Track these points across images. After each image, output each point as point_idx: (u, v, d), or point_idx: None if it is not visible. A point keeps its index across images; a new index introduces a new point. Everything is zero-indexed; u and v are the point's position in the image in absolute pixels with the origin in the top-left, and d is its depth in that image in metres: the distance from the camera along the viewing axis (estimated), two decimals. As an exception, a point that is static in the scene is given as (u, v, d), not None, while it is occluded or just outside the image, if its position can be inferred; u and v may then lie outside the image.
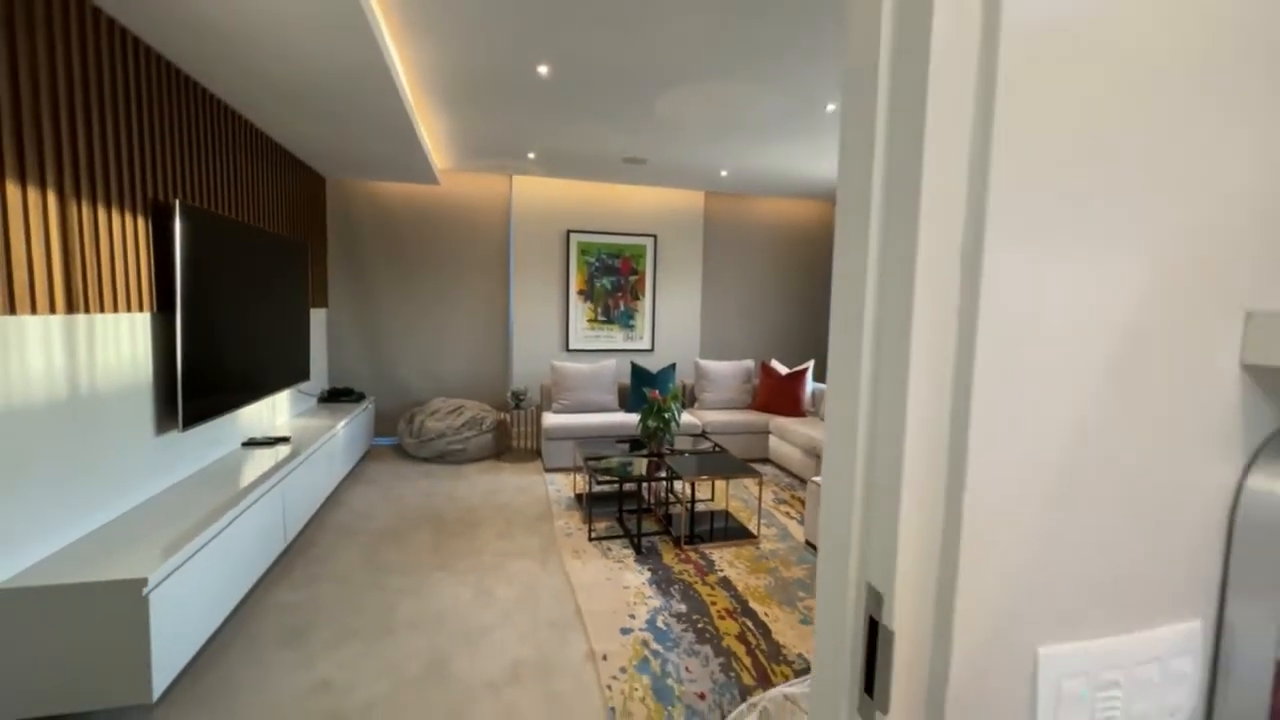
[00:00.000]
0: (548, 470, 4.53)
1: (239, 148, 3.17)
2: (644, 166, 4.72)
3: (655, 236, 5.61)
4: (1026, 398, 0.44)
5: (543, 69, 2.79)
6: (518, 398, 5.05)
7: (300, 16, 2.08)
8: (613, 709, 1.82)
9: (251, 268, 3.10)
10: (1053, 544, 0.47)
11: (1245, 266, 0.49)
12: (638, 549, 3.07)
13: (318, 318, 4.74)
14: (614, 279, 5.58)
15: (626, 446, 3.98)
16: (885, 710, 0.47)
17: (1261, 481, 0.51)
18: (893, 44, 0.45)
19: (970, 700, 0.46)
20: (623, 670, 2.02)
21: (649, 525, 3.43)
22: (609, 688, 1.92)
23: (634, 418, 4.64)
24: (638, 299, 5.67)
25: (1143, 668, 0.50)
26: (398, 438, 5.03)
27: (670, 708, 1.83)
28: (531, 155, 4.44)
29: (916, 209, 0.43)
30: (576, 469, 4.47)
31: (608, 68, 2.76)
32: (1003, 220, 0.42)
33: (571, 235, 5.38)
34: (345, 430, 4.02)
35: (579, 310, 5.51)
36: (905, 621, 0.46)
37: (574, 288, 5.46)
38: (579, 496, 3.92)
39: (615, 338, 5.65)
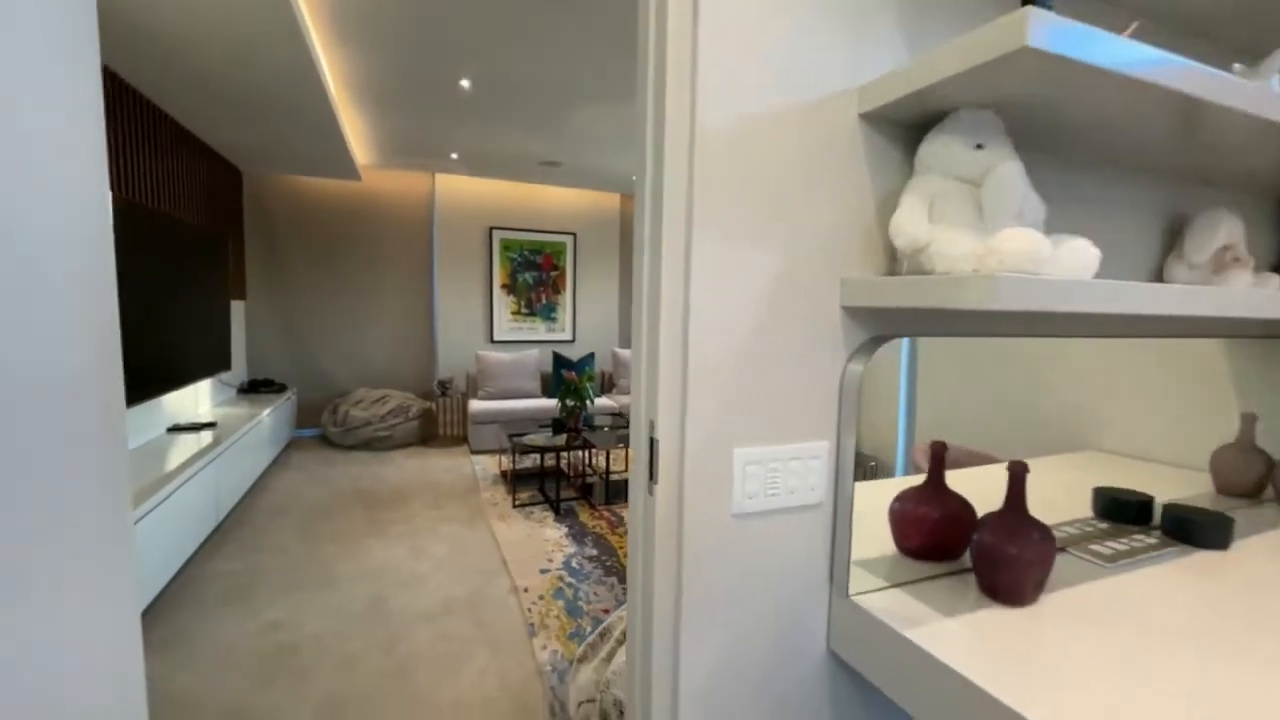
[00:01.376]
0: (474, 453, 4.80)
1: (158, 140, 3.25)
2: (562, 169, 5.09)
3: (575, 235, 5.99)
4: (721, 315, 0.88)
5: (464, 82, 3.10)
6: (444, 386, 5.27)
7: (229, 19, 2.29)
8: (531, 624, 2.21)
9: (172, 257, 3.19)
10: (741, 395, 0.91)
11: (839, 256, 0.96)
12: (557, 511, 3.45)
13: (236, 310, 4.75)
14: (536, 274, 5.90)
15: (550, 430, 4.34)
16: (656, 482, 0.89)
17: (853, 367, 0.98)
18: (652, 131, 0.88)
19: (698, 476, 0.90)
20: (540, 598, 2.40)
21: (568, 493, 3.82)
22: (529, 610, 2.31)
23: (556, 402, 5.00)
24: (559, 293, 6.02)
25: (794, 462, 0.96)
26: (321, 428, 5.11)
27: (579, 620, 2.24)
28: (454, 155, 4.69)
29: (661, 214, 0.86)
30: (502, 451, 4.78)
31: (525, 84, 3.12)
32: (702, 222, 0.86)
33: (494, 232, 5.65)
34: (270, 417, 4.11)
35: (503, 303, 5.79)
36: (664, 436, 0.89)
37: (498, 282, 5.73)
38: (504, 473, 4.24)
39: (538, 329, 5.98)
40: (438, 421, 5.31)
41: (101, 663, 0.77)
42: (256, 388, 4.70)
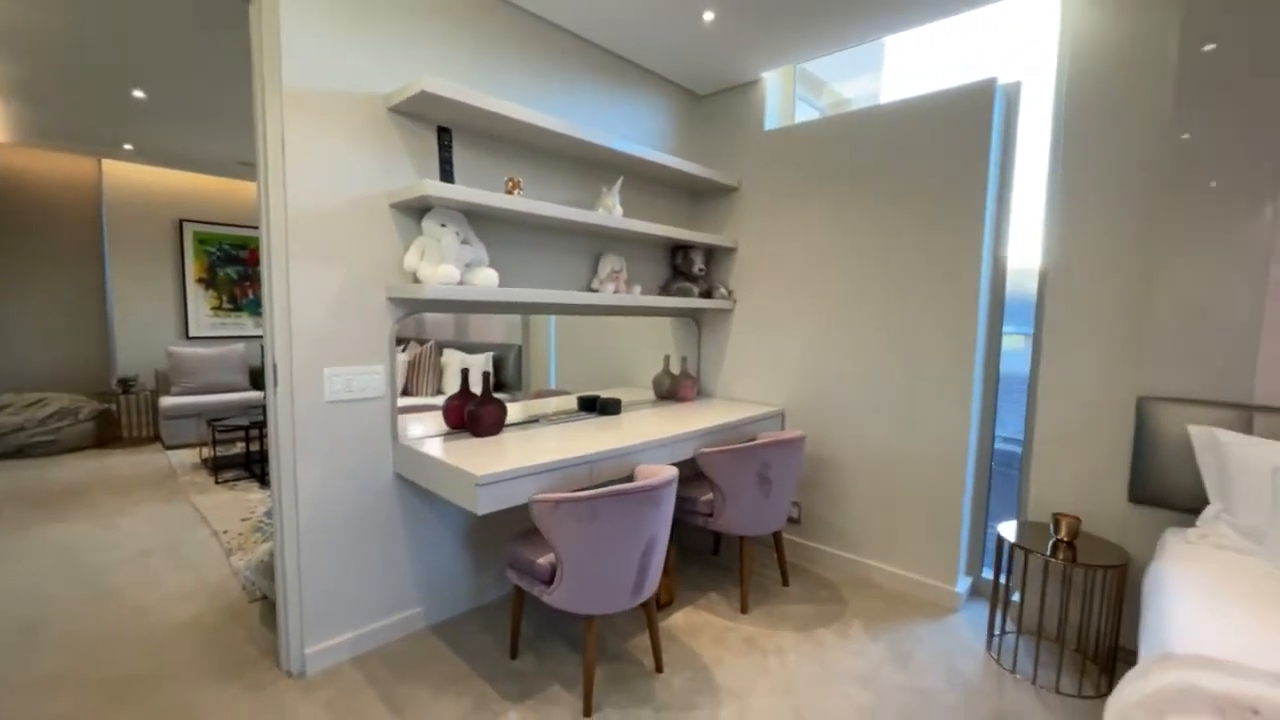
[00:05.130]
0: (169, 448, 4.75)
1: None
2: (264, 169, 5.26)
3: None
4: (312, 301, 1.79)
5: (138, 93, 3.34)
6: (126, 385, 4.99)
7: None
8: (229, 549, 2.79)
9: None
10: (326, 340, 1.83)
11: (384, 272, 1.94)
12: (262, 482, 3.88)
13: None
14: (240, 269, 5.86)
15: (262, 419, 4.59)
16: (277, 385, 1.76)
17: (394, 328, 1.98)
18: (264, 207, 1.74)
19: (302, 381, 1.79)
20: (240, 535, 2.97)
21: (278, 470, 4.23)
22: (228, 544, 2.86)
23: (263, 394, 5.19)
24: (269, 288, 6.05)
25: (363, 375, 1.92)
26: (-54, 441, 4.41)
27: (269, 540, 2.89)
28: (128, 146, 4.55)
29: (270, 247, 1.73)
30: (203, 444, 4.82)
31: (215, 93, 3.45)
32: (296, 257, 1.75)
33: (185, 225, 5.47)
34: (-128, 428, 3.57)
35: (201, 298, 5.62)
36: (280, 361, 1.76)
37: (192, 276, 5.55)
38: (205, 460, 4.39)
39: (246, 324, 5.93)
40: (120, 422, 4.97)
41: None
42: None
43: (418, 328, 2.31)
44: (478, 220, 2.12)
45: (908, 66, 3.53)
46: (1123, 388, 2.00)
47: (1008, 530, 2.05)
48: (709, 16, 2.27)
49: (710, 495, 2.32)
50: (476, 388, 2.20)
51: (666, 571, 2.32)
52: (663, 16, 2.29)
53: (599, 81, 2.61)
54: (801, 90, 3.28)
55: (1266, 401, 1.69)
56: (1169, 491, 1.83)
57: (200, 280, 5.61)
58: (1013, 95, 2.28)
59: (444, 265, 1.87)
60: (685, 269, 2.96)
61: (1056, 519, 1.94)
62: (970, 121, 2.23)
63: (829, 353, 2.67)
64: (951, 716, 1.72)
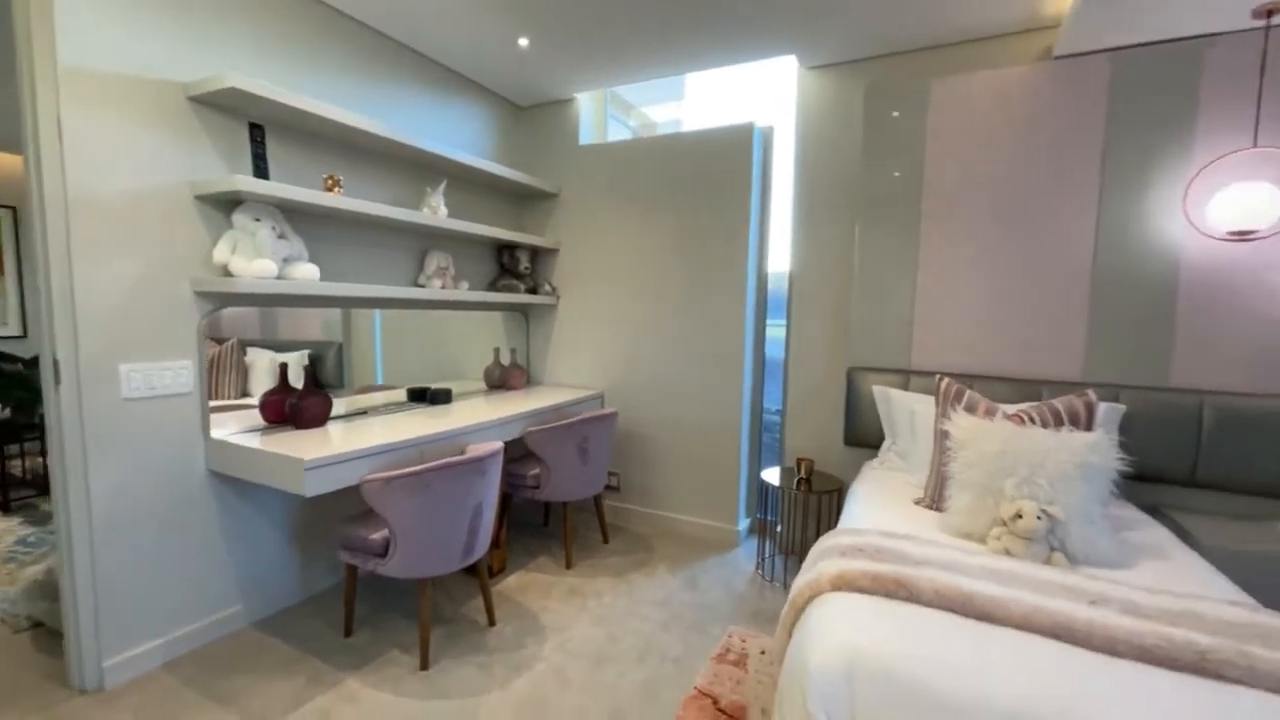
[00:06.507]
0: None
1: None
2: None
3: (15, 209, 4.99)
4: (103, 295, 1.69)
5: None
6: None
7: None
8: (-26, 585, 2.38)
9: None
10: (123, 336, 1.74)
11: (190, 265, 1.89)
12: (7, 509, 3.26)
13: None
14: (-52, 254, 4.68)
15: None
16: (60, 383, 1.65)
17: (201, 322, 1.94)
18: (37, 195, 1.61)
19: (93, 379, 1.69)
20: (-14, 568, 2.53)
21: (27, 493, 3.55)
22: (-31, 579, 2.43)
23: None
24: (-4, 278, 4.91)
25: (167, 371, 1.85)
26: None
27: (33, 563, 2.53)
28: None
29: (44, 234, 1.61)
30: (-98, 473, 3.83)
31: None
32: (79, 247, 1.65)
33: None
34: None
35: (-118, 290, 4.39)
36: (63, 359, 1.65)
37: None
38: (-89, 492, 3.52)
39: (-41, 324, 4.76)
40: None
41: None
42: None
43: (213, 326, 2.20)
44: (296, 216, 2.14)
45: (705, 100, 4.16)
46: (839, 361, 2.71)
47: (770, 475, 2.65)
48: (524, 42, 2.53)
49: (537, 470, 2.61)
50: (297, 382, 2.21)
51: (498, 544, 2.56)
52: (482, 37, 2.50)
53: (426, 88, 2.72)
54: (614, 110, 3.70)
55: (917, 368, 2.46)
56: (867, 434, 2.55)
57: (-118, 267, 4.38)
58: (768, 136, 2.90)
59: (260, 259, 1.89)
60: (512, 267, 3.20)
61: (798, 462, 2.57)
62: (737, 154, 2.80)
63: (637, 341, 3.11)
64: (723, 617, 2.23)
